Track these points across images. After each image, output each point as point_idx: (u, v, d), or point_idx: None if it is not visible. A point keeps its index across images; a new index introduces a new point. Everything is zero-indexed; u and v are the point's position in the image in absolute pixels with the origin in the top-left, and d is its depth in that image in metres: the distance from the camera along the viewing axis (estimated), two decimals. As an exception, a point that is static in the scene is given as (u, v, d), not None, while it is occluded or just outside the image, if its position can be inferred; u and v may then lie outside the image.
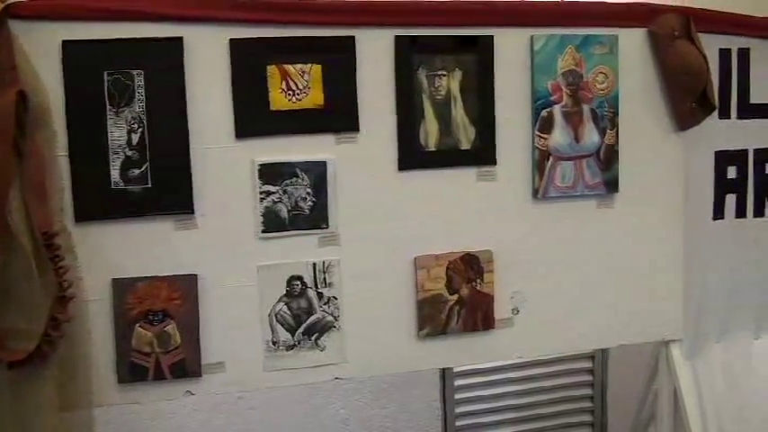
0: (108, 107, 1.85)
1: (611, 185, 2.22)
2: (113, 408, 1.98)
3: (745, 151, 2.41)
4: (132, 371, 1.93)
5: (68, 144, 1.83)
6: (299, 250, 2.02)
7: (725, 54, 2.33)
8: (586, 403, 3.76)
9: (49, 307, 1.71)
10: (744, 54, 2.36)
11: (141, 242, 1.92)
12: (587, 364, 3.72)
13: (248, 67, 1.93)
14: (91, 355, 1.87)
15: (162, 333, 1.93)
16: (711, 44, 2.27)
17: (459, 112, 2.09)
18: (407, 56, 2.03)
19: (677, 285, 2.35)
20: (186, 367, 1.96)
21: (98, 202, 1.87)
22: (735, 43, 2.34)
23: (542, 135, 2.14)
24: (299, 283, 2.02)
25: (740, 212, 2.43)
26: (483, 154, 2.12)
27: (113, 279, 1.90)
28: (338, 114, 2.01)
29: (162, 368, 1.94)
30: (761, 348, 2.55)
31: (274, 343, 2.03)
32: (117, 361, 1.92)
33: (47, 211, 1.75)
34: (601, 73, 2.17)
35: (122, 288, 1.90)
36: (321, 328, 2.06)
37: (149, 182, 1.89)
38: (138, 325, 1.92)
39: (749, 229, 2.44)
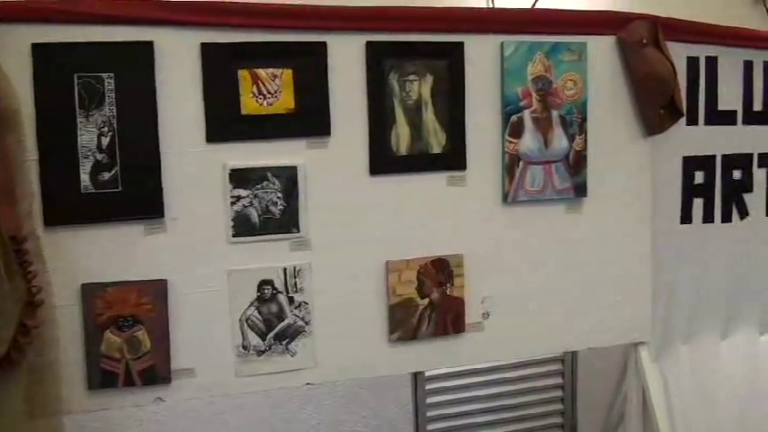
0: (78, 110, 1.84)
1: (580, 190, 2.24)
2: (84, 414, 1.96)
3: (712, 157, 2.44)
4: (102, 377, 1.91)
5: (38, 148, 1.82)
6: (269, 255, 2.02)
7: (693, 62, 2.37)
8: (557, 405, 3.78)
9: (18, 313, 1.69)
10: (711, 62, 2.40)
11: (111, 247, 1.91)
12: (557, 367, 3.74)
13: (219, 71, 1.93)
14: (60, 361, 1.85)
15: (132, 339, 1.92)
16: (679, 52, 2.31)
17: (430, 117, 2.10)
18: (379, 61, 2.04)
19: (645, 289, 2.38)
20: (156, 373, 1.95)
21: (68, 207, 1.86)
22: (703, 51, 2.38)
23: (512, 140, 2.16)
24: (269, 287, 2.02)
25: (707, 217, 2.46)
26: (453, 158, 2.13)
27: (83, 284, 1.89)
28: (309, 119, 2.01)
29: (132, 374, 1.93)
30: (727, 350, 2.58)
31: (245, 348, 2.02)
32: (87, 367, 1.91)
33: (15, 216, 1.73)
34: (570, 80, 2.19)
35: (92, 293, 1.89)
36: (292, 333, 2.06)
37: (119, 186, 1.88)
38: (107, 331, 1.90)
39: (716, 234, 2.48)
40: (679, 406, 2.45)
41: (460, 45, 2.10)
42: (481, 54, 2.13)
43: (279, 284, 2.03)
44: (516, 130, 2.16)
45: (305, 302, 2.05)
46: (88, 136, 1.85)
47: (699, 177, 2.43)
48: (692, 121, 2.39)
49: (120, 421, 3.03)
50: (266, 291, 2.02)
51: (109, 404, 1.95)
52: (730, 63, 2.42)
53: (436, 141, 2.11)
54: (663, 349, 2.45)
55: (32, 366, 1.76)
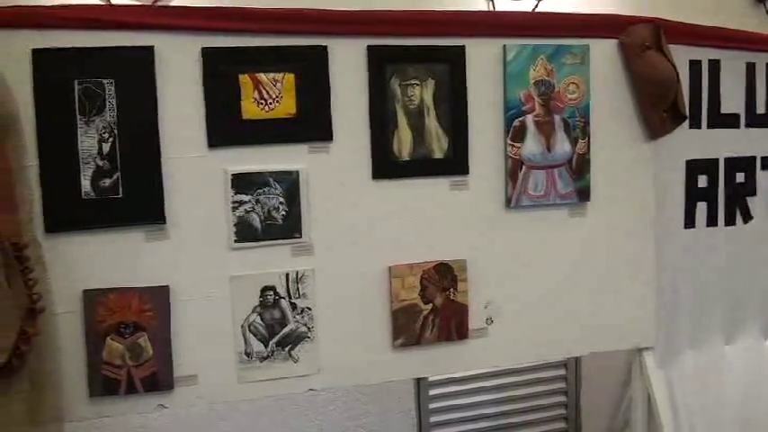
0: (78, 116, 1.84)
1: (583, 194, 2.23)
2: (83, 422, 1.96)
3: (715, 160, 2.43)
4: (104, 384, 1.91)
5: (38, 153, 1.82)
6: (272, 260, 2.01)
7: (695, 65, 2.36)
8: (560, 411, 3.77)
9: (19, 320, 1.68)
10: (714, 65, 2.39)
11: (112, 253, 1.90)
12: (561, 372, 3.73)
13: (220, 76, 1.92)
14: (61, 368, 1.85)
15: (134, 345, 1.91)
16: (682, 55, 2.30)
17: (432, 122, 2.09)
18: (380, 65, 2.03)
19: (649, 293, 2.37)
20: (158, 380, 1.94)
21: (68, 213, 1.85)
22: (705, 54, 2.37)
23: (515, 144, 2.15)
24: (272, 293, 2.01)
25: (711, 221, 2.45)
26: (456, 163, 2.13)
27: (84, 291, 1.88)
28: (311, 124, 2.00)
29: (134, 381, 1.92)
30: (732, 355, 2.57)
31: (247, 354, 2.01)
32: (88, 374, 1.90)
33: (16, 222, 1.73)
34: (572, 83, 2.18)
35: (93, 300, 1.88)
36: (295, 339, 2.05)
37: (120, 192, 1.88)
38: (109, 337, 1.89)
39: (720, 237, 2.47)
40: (684, 411, 2.44)
41: (462, 49, 2.10)
42: (483, 58, 2.12)
43: (281, 290, 2.02)
44: (519, 135, 2.15)
45: (307, 308, 2.04)
46: (89, 142, 1.85)
47: (702, 181, 2.42)
48: (695, 124, 2.38)
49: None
50: (269, 296, 2.01)
51: (110, 411, 1.94)
52: (733, 66, 2.41)
53: (438, 146, 2.10)
54: (667, 354, 2.43)
55: (33, 374, 1.75)
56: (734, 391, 2.57)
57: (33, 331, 1.71)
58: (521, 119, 2.15)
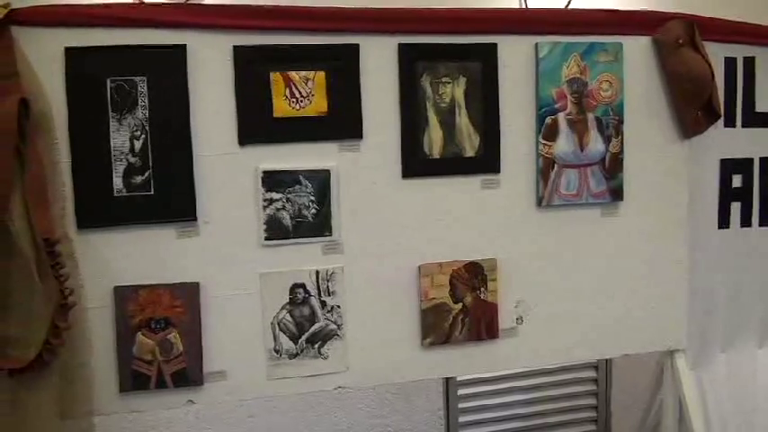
0: (111, 114, 1.85)
1: (616, 194, 2.21)
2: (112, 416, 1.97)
3: (750, 160, 2.40)
4: (134, 379, 1.92)
5: (71, 151, 1.83)
6: (302, 258, 2.01)
7: (730, 62, 2.32)
8: (590, 413, 3.75)
9: (50, 314, 1.70)
10: (749, 62, 2.35)
11: (143, 249, 1.91)
12: (591, 374, 3.71)
13: (252, 74, 1.93)
14: (91, 363, 1.87)
15: (164, 341, 1.92)
16: (716, 52, 2.27)
17: (463, 120, 2.08)
18: (411, 63, 2.03)
19: (682, 295, 2.34)
20: (188, 376, 1.95)
21: (100, 209, 1.87)
22: (740, 52, 2.33)
23: (547, 143, 2.13)
24: (301, 290, 2.01)
25: (745, 221, 2.42)
26: (487, 162, 2.11)
27: (115, 286, 1.89)
28: (342, 122, 2.00)
29: (164, 376, 1.93)
30: (765, 358, 2.53)
31: (277, 351, 2.02)
32: (118, 369, 1.91)
33: (48, 218, 1.74)
34: (605, 81, 2.16)
35: (124, 295, 1.89)
36: (324, 337, 2.05)
37: (152, 189, 1.89)
38: (139, 333, 1.91)
39: (754, 238, 2.43)
40: (716, 415, 2.41)
41: (494, 47, 2.08)
42: (515, 55, 2.11)
43: (311, 288, 2.02)
44: (551, 133, 2.13)
45: (337, 306, 2.04)
46: (121, 139, 1.86)
47: (736, 181, 2.39)
48: (730, 123, 2.35)
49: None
50: (298, 294, 2.01)
51: (140, 406, 1.96)
52: (769, 64, 2.38)
53: (470, 144, 2.09)
54: (700, 357, 2.40)
55: (64, 368, 1.77)
56: (767, 394, 2.53)
57: (65, 326, 1.73)
58: (553, 117, 2.13)
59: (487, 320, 2.15)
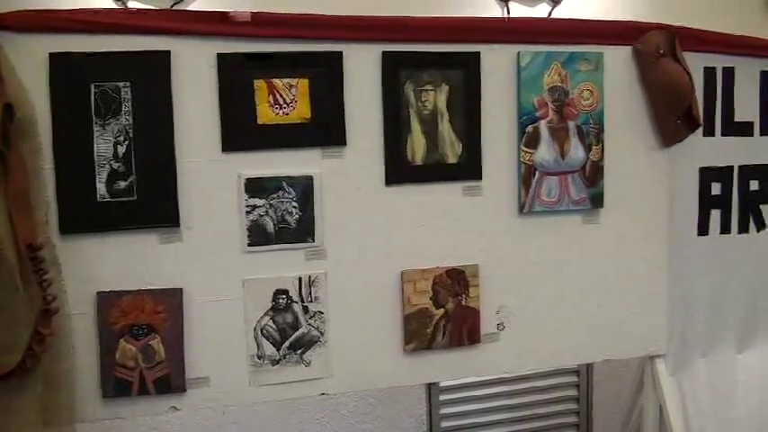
0: (94, 119, 1.85)
1: (597, 201, 2.23)
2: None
3: (729, 168, 2.43)
4: (116, 386, 1.91)
5: (54, 156, 1.83)
6: (284, 264, 2.02)
7: (710, 72, 2.35)
8: (572, 418, 3.76)
9: (33, 320, 1.69)
10: (728, 72, 2.38)
11: (126, 255, 1.91)
12: (573, 379, 3.73)
13: (235, 80, 1.93)
14: (74, 369, 1.86)
15: (146, 347, 1.92)
16: (696, 62, 2.29)
17: (445, 127, 2.09)
18: (394, 71, 2.04)
19: (662, 300, 2.36)
20: (171, 382, 1.95)
21: (83, 215, 1.86)
22: (719, 62, 2.36)
23: (528, 150, 2.15)
24: (284, 297, 2.01)
25: (724, 228, 2.44)
26: (469, 169, 2.13)
27: (98, 292, 1.89)
28: (325, 129, 2.01)
29: (146, 383, 1.93)
30: (744, 363, 2.56)
31: (260, 357, 2.02)
32: (101, 375, 1.91)
33: (31, 224, 1.74)
34: (586, 89, 2.18)
35: (107, 301, 1.89)
36: (307, 343, 2.05)
37: (135, 194, 1.89)
38: (122, 339, 1.90)
39: (733, 245, 2.46)
40: (696, 419, 2.43)
41: (476, 55, 2.10)
42: (497, 64, 2.12)
43: (294, 294, 2.02)
44: (532, 141, 2.15)
45: (320, 312, 2.05)
46: (104, 145, 1.86)
47: (716, 188, 2.41)
48: (709, 131, 2.37)
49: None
50: (281, 300, 2.01)
51: (122, 413, 1.95)
52: (747, 73, 2.40)
53: (452, 151, 2.10)
54: (680, 362, 2.43)
55: (47, 374, 1.77)
56: (746, 400, 2.56)
57: (47, 332, 1.72)
58: (534, 125, 2.15)
59: (469, 326, 2.16)
